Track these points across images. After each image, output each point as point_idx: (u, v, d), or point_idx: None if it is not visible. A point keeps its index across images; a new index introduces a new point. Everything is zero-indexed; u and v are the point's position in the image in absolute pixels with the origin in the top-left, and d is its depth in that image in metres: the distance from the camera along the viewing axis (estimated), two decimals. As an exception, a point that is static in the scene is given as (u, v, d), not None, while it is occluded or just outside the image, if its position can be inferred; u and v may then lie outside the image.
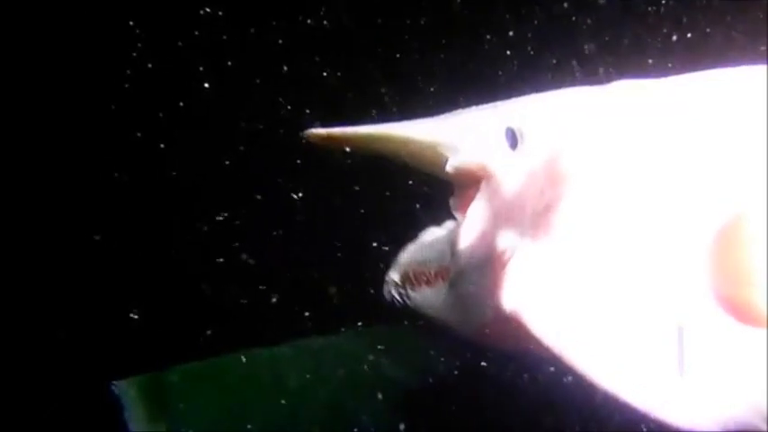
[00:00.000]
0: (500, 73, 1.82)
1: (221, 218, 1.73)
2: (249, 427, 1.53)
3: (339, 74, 1.78)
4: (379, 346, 1.60)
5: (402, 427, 1.53)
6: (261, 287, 1.70)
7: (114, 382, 1.53)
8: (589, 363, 0.85)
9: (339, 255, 1.72)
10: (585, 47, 1.76)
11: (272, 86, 1.78)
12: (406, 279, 1.19)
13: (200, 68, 1.74)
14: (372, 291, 1.57)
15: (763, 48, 1.50)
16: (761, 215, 0.81)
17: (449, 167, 1.09)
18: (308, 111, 1.69)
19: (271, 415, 1.56)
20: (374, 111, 1.71)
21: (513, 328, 0.89)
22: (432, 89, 1.75)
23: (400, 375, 1.60)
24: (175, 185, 1.77)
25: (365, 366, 1.59)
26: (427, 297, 1.16)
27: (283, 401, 1.57)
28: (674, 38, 1.71)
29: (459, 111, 1.15)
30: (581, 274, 0.88)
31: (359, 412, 1.58)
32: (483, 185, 1.06)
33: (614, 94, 1.03)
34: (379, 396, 1.56)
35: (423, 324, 1.35)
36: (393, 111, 1.71)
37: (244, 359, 1.64)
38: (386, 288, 1.22)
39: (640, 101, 0.99)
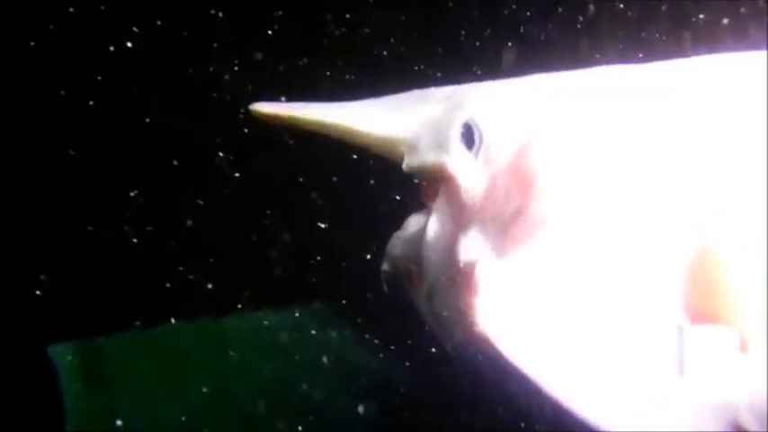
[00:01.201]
0: (463, 32, 1.68)
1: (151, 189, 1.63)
2: (188, 399, 1.58)
3: (287, 35, 1.63)
4: (329, 324, 1.62)
5: (361, 409, 1.54)
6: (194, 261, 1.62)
7: (50, 345, 1.54)
8: (561, 385, 0.81)
9: (279, 232, 1.63)
10: (560, 8, 1.63)
11: (210, 47, 1.63)
12: (395, 271, 1.11)
13: (134, 29, 1.57)
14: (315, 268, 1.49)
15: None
16: (740, 235, 0.79)
17: (405, 167, 1.02)
18: (250, 76, 1.54)
19: (213, 386, 1.58)
20: (326, 77, 1.58)
21: (486, 347, 0.86)
22: (385, 53, 1.62)
23: (355, 354, 1.62)
24: (103, 152, 1.66)
25: (316, 343, 1.61)
26: (416, 297, 1.08)
27: (226, 374, 1.59)
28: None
29: (415, 92, 1.07)
30: (551, 291, 0.84)
31: (309, 390, 1.58)
32: (442, 189, 0.97)
33: (592, 82, 0.95)
34: (334, 376, 1.59)
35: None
36: (346, 77, 1.58)
37: (185, 330, 1.64)
38: (382, 278, 1.14)
39: (621, 91, 0.91)
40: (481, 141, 0.93)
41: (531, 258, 0.85)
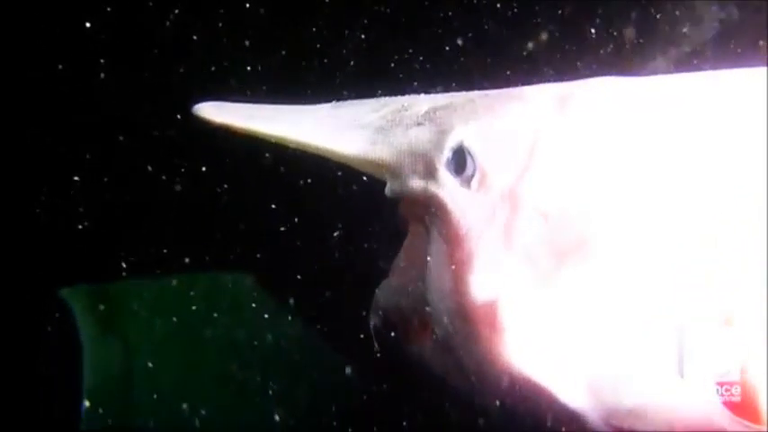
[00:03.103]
0: (449, 14, 1.54)
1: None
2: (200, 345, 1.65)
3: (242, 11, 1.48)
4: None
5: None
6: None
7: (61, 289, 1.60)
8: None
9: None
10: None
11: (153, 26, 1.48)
12: (388, 325, 1.03)
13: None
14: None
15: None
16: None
17: (388, 193, 0.96)
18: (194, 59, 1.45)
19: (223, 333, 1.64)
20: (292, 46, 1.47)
21: (526, 389, 0.84)
22: (351, 29, 1.48)
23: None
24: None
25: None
26: (420, 354, 1.01)
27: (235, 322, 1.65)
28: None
29: (390, 103, 0.99)
30: (590, 325, 0.84)
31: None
32: (432, 219, 0.91)
33: (594, 97, 0.91)
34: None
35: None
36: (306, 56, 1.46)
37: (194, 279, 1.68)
38: (373, 334, 1.08)
39: (630, 109, 0.89)
40: (475, 167, 0.88)
41: (561, 291, 0.84)
